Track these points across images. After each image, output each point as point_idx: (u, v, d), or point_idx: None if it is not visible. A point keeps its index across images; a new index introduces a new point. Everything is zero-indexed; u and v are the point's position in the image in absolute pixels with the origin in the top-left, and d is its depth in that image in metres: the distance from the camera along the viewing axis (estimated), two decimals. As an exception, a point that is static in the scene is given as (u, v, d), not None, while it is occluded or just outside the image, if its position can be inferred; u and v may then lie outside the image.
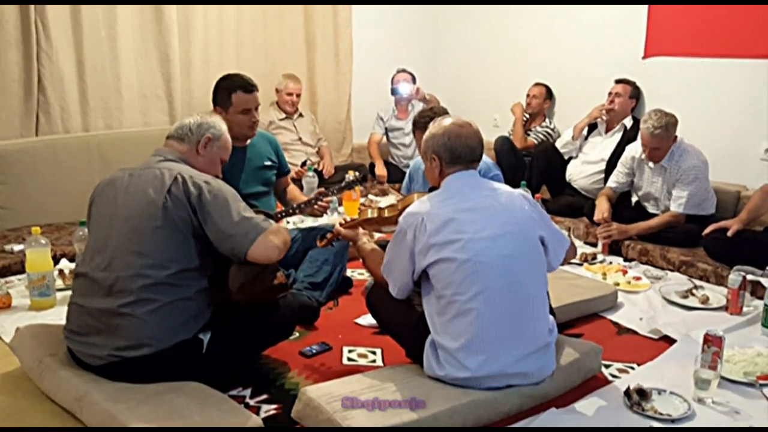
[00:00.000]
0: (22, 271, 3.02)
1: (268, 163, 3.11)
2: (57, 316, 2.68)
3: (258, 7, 4.81)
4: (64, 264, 3.16)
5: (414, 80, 5.04)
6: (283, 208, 3.01)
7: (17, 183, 3.71)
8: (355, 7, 5.23)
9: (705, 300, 3.00)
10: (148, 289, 1.96)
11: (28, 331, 2.29)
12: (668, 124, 3.51)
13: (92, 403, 1.90)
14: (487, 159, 3.10)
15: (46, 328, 2.33)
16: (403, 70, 5.06)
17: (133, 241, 2.00)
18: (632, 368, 2.43)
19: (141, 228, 2.00)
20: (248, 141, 3.05)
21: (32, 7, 3.79)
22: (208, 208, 2.00)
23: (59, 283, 3.01)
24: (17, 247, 3.31)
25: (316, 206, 2.90)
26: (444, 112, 2.97)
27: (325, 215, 3.18)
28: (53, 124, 4.01)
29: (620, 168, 3.90)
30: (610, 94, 4.25)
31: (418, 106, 5.05)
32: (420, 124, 2.98)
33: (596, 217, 3.75)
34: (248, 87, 2.92)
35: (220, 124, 2.29)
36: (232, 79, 2.95)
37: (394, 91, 4.98)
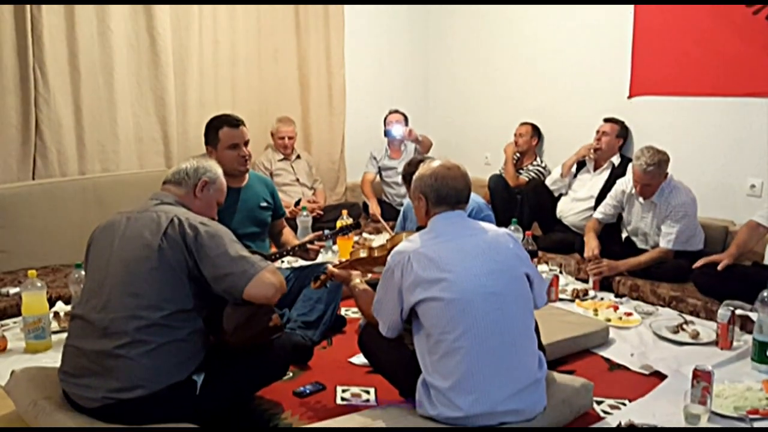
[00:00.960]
0: (17, 313, 3.04)
1: (264, 204, 3.17)
2: (52, 358, 2.69)
3: (252, 49, 4.92)
4: (60, 306, 3.17)
5: (406, 120, 5.13)
6: (277, 250, 3.06)
7: (14, 226, 3.75)
8: (348, 49, 5.35)
9: (695, 335, 3.03)
10: (143, 330, 1.98)
11: (23, 374, 2.29)
12: (660, 161, 3.58)
13: (86, 447, 1.91)
14: (478, 199, 3.16)
15: (41, 371, 2.33)
16: (396, 111, 5.16)
17: (128, 283, 2.03)
18: (624, 404, 2.45)
19: (137, 270, 2.03)
20: (244, 182, 3.10)
21: (31, 53, 3.89)
22: (204, 249, 2.04)
23: (55, 325, 3.03)
24: (13, 290, 3.33)
25: (309, 249, 2.94)
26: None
27: (319, 255, 3.21)
28: (50, 168, 4.07)
29: (609, 200, 3.96)
30: (597, 132, 4.34)
31: (411, 147, 5.14)
32: (406, 177, 3.05)
33: (586, 254, 3.80)
34: (233, 122, 3.02)
35: (215, 167, 2.35)
36: (219, 117, 3.08)
37: (387, 133, 5.09)
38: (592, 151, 4.35)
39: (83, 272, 2.55)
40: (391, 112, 5.18)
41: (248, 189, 3.13)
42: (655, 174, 3.58)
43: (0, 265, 3.71)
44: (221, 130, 3.00)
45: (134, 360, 1.97)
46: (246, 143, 3.05)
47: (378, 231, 4.79)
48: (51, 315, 3.02)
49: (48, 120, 4.02)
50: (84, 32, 4.11)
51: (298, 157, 5.00)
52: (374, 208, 5.01)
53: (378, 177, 5.25)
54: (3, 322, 3.08)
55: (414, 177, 2.24)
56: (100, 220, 2.27)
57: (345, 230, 3.00)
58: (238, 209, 3.05)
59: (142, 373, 1.97)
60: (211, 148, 3.01)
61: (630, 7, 4.28)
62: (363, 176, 5.23)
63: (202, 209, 2.26)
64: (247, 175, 3.14)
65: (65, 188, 4.00)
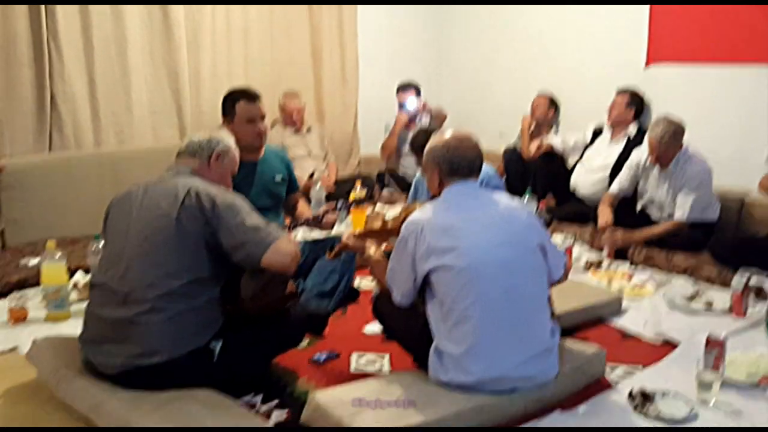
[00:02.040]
0: (37, 284, 3.08)
1: (279, 178, 3.17)
2: (72, 328, 2.72)
3: (265, 21, 4.90)
4: (79, 277, 3.22)
5: (419, 92, 5.09)
6: (290, 222, 3.08)
7: (32, 198, 3.80)
8: (360, 21, 5.31)
9: (709, 304, 3.02)
10: (162, 298, 2.02)
11: (44, 343, 2.35)
12: (676, 131, 3.55)
13: (108, 411, 1.96)
14: (489, 168, 3.15)
15: (62, 340, 2.39)
16: (408, 85, 5.11)
17: (147, 252, 2.06)
18: (636, 371, 2.46)
19: (155, 239, 2.07)
20: (260, 155, 3.11)
21: (44, 26, 3.89)
22: (221, 218, 2.06)
23: (74, 296, 3.08)
24: (33, 261, 3.38)
25: (323, 222, 2.96)
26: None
27: (334, 227, 3.23)
28: (66, 141, 4.10)
29: (625, 171, 3.93)
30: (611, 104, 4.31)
31: (425, 119, 5.11)
32: (415, 147, 3.06)
33: (600, 225, 3.78)
34: (251, 96, 3.02)
35: (227, 138, 2.38)
36: (237, 90, 3.08)
37: (401, 107, 5.04)
38: (534, 122, 4.59)
39: (101, 243, 2.60)
40: (402, 85, 5.13)
41: (264, 162, 3.14)
42: (670, 144, 3.55)
43: (19, 237, 3.77)
44: (238, 104, 3.00)
45: (153, 327, 2.01)
46: (262, 118, 3.05)
47: (392, 202, 4.80)
48: (70, 286, 3.07)
49: (63, 93, 4.04)
50: (97, 5, 4.10)
51: (309, 129, 4.98)
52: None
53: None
54: (23, 292, 3.12)
55: (426, 148, 2.24)
56: (116, 192, 2.32)
57: (357, 203, 3.02)
58: (254, 183, 3.07)
59: (160, 339, 2.01)
60: (227, 120, 3.02)
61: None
62: (383, 144, 5.19)
63: (218, 179, 2.28)
64: (263, 149, 3.15)
65: (81, 160, 4.04)
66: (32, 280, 3.22)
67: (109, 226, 2.23)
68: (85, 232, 3.68)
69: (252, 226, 2.08)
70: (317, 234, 3.36)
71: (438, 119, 5.05)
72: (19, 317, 2.89)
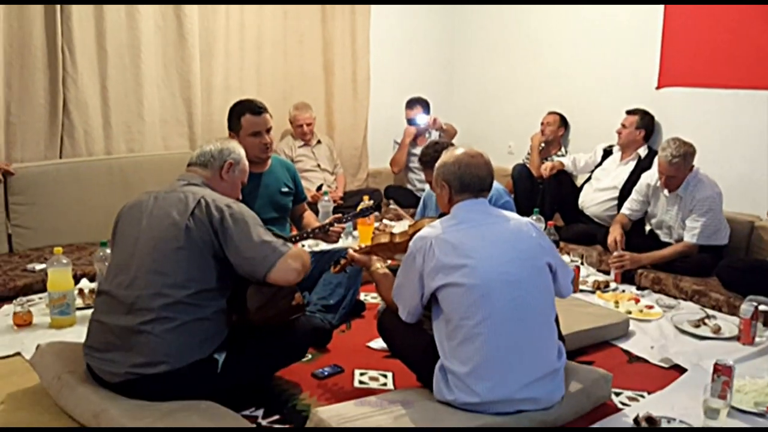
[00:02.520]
0: (43, 289, 3.09)
1: (285, 189, 3.17)
2: (76, 334, 2.73)
3: (279, 33, 4.93)
4: (85, 283, 3.22)
5: (428, 107, 5.09)
6: (297, 233, 3.07)
7: (41, 204, 3.81)
8: (373, 35, 5.34)
9: (717, 330, 2.99)
10: (168, 308, 2.02)
11: (48, 349, 2.34)
12: (686, 153, 3.53)
13: (109, 419, 1.94)
14: (498, 185, 3.14)
15: (65, 346, 2.39)
16: (417, 100, 5.10)
17: (155, 261, 2.06)
18: (642, 396, 2.44)
19: (163, 248, 2.07)
20: (266, 167, 3.11)
21: (59, 32, 3.92)
22: (229, 232, 2.06)
23: (79, 302, 3.08)
24: (39, 266, 3.39)
25: (330, 232, 2.94)
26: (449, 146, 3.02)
27: (340, 240, 3.22)
28: (77, 147, 4.12)
29: (635, 195, 3.92)
30: (620, 125, 4.30)
31: (435, 135, 5.11)
32: (425, 161, 3.05)
33: (608, 242, 3.76)
34: (256, 109, 3.00)
35: (238, 148, 2.37)
36: (242, 103, 3.05)
37: (411, 122, 5.04)
38: (544, 140, 4.67)
39: (108, 250, 2.60)
40: (411, 100, 5.12)
41: (270, 174, 3.14)
42: (680, 166, 3.54)
43: (26, 242, 3.78)
44: (244, 117, 2.99)
45: (158, 336, 2.00)
46: (268, 130, 3.04)
47: (399, 218, 4.79)
48: (76, 291, 3.07)
49: (75, 99, 4.06)
50: (112, 13, 4.14)
51: (319, 142, 5.00)
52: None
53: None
54: (29, 297, 3.13)
55: (437, 164, 2.24)
56: (125, 200, 2.31)
57: (365, 212, 3.00)
58: (260, 195, 3.06)
59: (165, 349, 2.00)
60: (233, 134, 3.01)
61: (660, -3, 4.23)
62: (391, 160, 5.19)
63: (228, 190, 2.29)
64: (269, 161, 3.15)
65: (91, 168, 4.06)
66: (38, 285, 3.24)
67: (118, 234, 2.23)
68: (93, 239, 3.70)
69: (259, 241, 2.08)
70: (324, 245, 3.35)
71: (448, 134, 5.06)
72: (23, 322, 2.89)
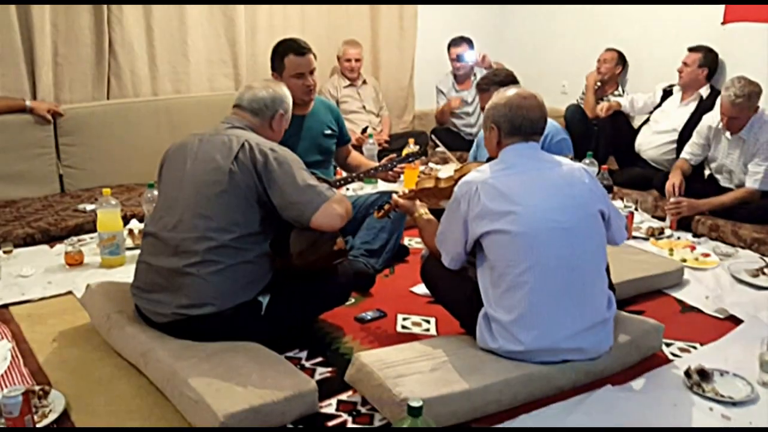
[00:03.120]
0: (93, 229, 3.15)
1: (328, 131, 3.11)
2: (126, 274, 2.79)
3: (323, -29, 4.79)
4: (134, 224, 3.27)
5: (473, 46, 4.89)
6: (345, 175, 3.03)
7: (89, 145, 3.87)
8: (421, -31, 5.14)
9: (777, 280, 2.87)
10: (212, 251, 2.02)
11: (97, 289, 2.39)
12: (751, 93, 3.33)
13: (156, 359, 1.99)
14: (554, 122, 3.03)
15: (114, 286, 2.44)
16: (460, 38, 4.87)
17: (199, 205, 2.06)
18: (694, 348, 2.36)
19: (208, 192, 2.06)
20: (308, 109, 3.05)
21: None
22: (273, 176, 2.04)
23: (129, 242, 3.13)
24: (89, 207, 3.46)
25: (390, 173, 2.92)
26: (509, 76, 2.92)
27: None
28: (124, 89, 4.13)
29: (695, 138, 3.73)
30: (681, 63, 4.07)
31: (480, 77, 4.92)
32: (482, 87, 2.94)
33: (667, 187, 3.61)
34: (300, 50, 2.92)
35: (288, 97, 2.33)
36: (285, 43, 2.97)
37: (459, 58, 4.83)
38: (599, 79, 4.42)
39: (156, 192, 2.61)
40: (454, 40, 4.88)
41: (312, 116, 3.07)
42: (744, 106, 3.34)
43: (77, 182, 3.86)
44: (287, 58, 2.91)
45: (204, 278, 2.02)
46: (312, 72, 2.96)
47: (445, 161, 4.70)
48: (125, 232, 3.12)
49: (121, 40, 4.05)
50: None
51: (365, 82, 4.90)
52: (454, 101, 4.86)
53: None
54: (80, 237, 3.20)
55: (486, 106, 2.15)
56: (172, 141, 2.31)
57: (410, 158, 2.94)
58: (303, 137, 3.01)
59: (211, 291, 2.02)
60: (276, 74, 2.95)
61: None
62: (437, 110, 5.05)
63: (274, 137, 2.27)
64: (312, 102, 3.09)
65: (138, 109, 4.08)
66: (89, 225, 3.30)
67: (164, 176, 2.24)
68: (141, 180, 3.74)
69: (303, 185, 2.05)
70: (369, 189, 3.31)
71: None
72: (75, 261, 2.96)
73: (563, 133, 3.09)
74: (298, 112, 2.88)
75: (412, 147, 4.07)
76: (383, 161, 2.94)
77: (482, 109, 2.99)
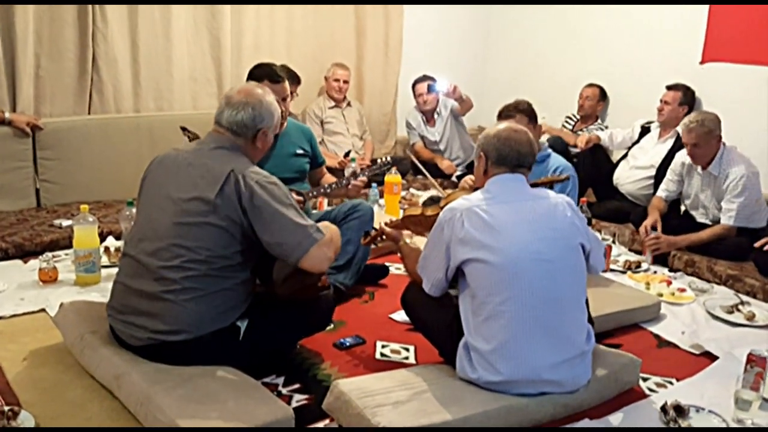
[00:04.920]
0: (69, 246, 3.10)
1: (300, 151, 3.08)
2: (101, 292, 2.75)
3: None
4: (110, 242, 3.23)
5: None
6: (314, 189, 3.02)
7: (68, 159, 3.82)
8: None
9: (751, 317, 2.90)
10: (192, 279, 1.99)
11: (71, 307, 2.34)
12: (705, 119, 3.41)
13: (130, 382, 1.95)
14: (565, 161, 3.22)
15: (89, 305, 2.39)
16: (424, 76, 4.84)
17: (180, 234, 2.00)
18: (671, 383, 2.37)
19: (189, 221, 2.00)
20: (280, 129, 3.04)
21: (90, -14, 3.87)
22: (259, 212, 1.99)
23: (105, 260, 3.08)
24: (65, 222, 3.40)
25: (350, 186, 2.92)
26: (528, 106, 3.07)
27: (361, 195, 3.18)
28: (106, 104, 4.10)
29: (670, 175, 3.80)
30: (660, 101, 4.15)
31: (445, 114, 4.92)
32: (508, 114, 3.03)
33: (641, 229, 3.64)
34: (275, 77, 2.89)
35: (268, 109, 2.18)
36: (262, 68, 2.94)
37: (430, 88, 4.77)
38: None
39: (134, 210, 2.58)
40: (419, 79, 4.86)
41: (285, 137, 3.06)
42: (699, 133, 3.40)
43: (54, 197, 3.80)
44: (262, 83, 2.83)
45: (181, 305, 1.98)
46: (285, 99, 2.95)
47: (426, 187, 4.72)
48: (102, 249, 3.07)
49: (105, 55, 4.02)
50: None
51: (349, 104, 4.93)
52: (445, 163, 4.85)
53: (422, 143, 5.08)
54: (55, 253, 3.15)
55: (480, 135, 2.18)
56: (152, 158, 2.24)
57: (382, 167, 2.96)
58: (273, 155, 2.98)
59: (188, 318, 1.99)
60: None
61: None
62: (413, 146, 5.07)
63: (259, 153, 2.21)
64: (285, 124, 3.08)
65: (120, 125, 4.04)
66: (64, 241, 3.25)
67: (145, 192, 2.18)
68: (120, 196, 3.71)
69: (292, 225, 2.00)
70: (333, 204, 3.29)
71: (465, 106, 4.79)
72: (49, 278, 2.90)
73: (572, 170, 3.17)
74: None
75: (393, 173, 4.07)
76: (348, 173, 2.93)
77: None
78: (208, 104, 4.47)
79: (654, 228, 3.61)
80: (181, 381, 1.93)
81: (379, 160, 3.13)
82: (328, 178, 3.32)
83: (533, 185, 2.20)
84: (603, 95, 4.77)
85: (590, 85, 4.76)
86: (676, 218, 3.80)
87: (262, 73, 2.92)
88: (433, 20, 5.43)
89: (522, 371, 1.95)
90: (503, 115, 3.03)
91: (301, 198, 2.85)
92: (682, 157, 3.72)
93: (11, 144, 3.65)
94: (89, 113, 4.05)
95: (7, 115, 3.63)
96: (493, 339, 1.96)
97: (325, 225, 2.15)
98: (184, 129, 3.28)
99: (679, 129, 3.50)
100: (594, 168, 4.35)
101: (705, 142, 3.45)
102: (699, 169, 3.60)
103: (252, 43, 4.61)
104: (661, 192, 3.83)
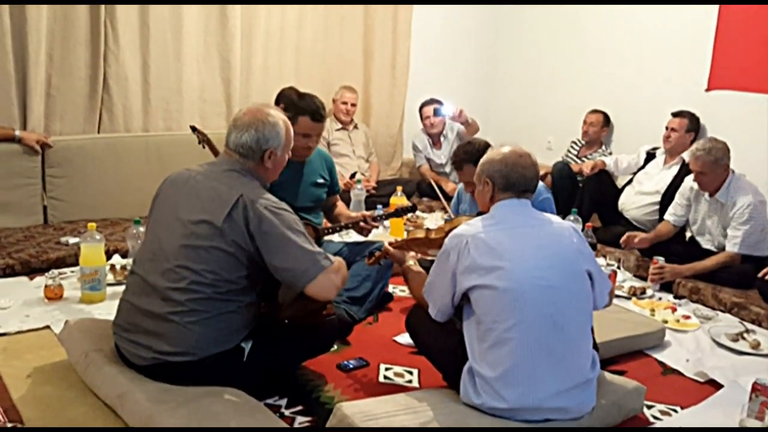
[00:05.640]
0: (76, 263, 3.11)
1: (320, 180, 3.10)
2: (106, 310, 2.75)
3: (319, 16, 4.89)
4: (117, 260, 3.24)
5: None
6: (330, 225, 3.04)
7: (77, 177, 3.85)
8: (414, 21, 5.26)
9: (756, 345, 2.89)
10: (197, 302, 1.99)
11: (76, 325, 2.35)
12: (713, 148, 3.42)
13: (133, 401, 1.94)
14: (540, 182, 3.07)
15: (94, 323, 2.39)
16: (431, 100, 4.95)
17: (188, 257, 2.00)
18: (675, 411, 2.36)
19: (196, 244, 2.00)
20: (306, 157, 3.05)
21: (102, 7, 3.93)
22: (267, 238, 1.99)
23: (110, 278, 3.09)
24: (72, 240, 3.42)
25: (363, 225, 2.93)
26: (486, 146, 2.90)
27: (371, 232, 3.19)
28: (115, 123, 4.14)
29: (678, 199, 3.80)
30: (666, 128, 4.17)
31: (451, 136, 4.98)
32: (456, 162, 2.98)
33: (622, 238, 3.70)
34: (318, 116, 2.86)
35: (274, 130, 2.14)
36: (306, 101, 2.88)
37: (436, 112, 4.88)
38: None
39: (141, 228, 2.59)
40: (426, 102, 4.96)
41: (310, 164, 3.06)
42: (706, 161, 3.42)
43: (61, 215, 3.83)
44: (303, 117, 2.83)
45: (186, 327, 1.98)
46: (318, 135, 2.96)
47: (430, 209, 4.74)
48: (107, 267, 3.08)
49: (116, 75, 4.07)
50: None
51: (356, 127, 4.97)
52: (450, 186, 4.88)
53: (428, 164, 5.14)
54: (61, 270, 3.16)
55: (481, 161, 2.17)
56: (161, 178, 2.23)
57: (400, 213, 2.97)
58: (301, 184, 3.00)
59: (192, 340, 1.99)
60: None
61: (716, -5, 4.08)
62: (419, 169, 5.13)
63: (273, 173, 2.20)
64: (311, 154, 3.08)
65: (129, 144, 4.08)
66: (71, 259, 3.26)
67: (156, 211, 2.17)
68: (127, 215, 3.73)
69: (300, 251, 1.99)
70: (355, 236, 3.31)
71: (471, 129, 4.87)
72: (54, 295, 2.91)
73: (546, 192, 3.15)
74: (296, 160, 2.86)
75: (399, 195, 4.09)
76: (369, 214, 2.95)
77: (462, 181, 3.06)
78: (216, 124, 4.51)
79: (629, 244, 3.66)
80: (185, 401, 1.93)
81: (393, 199, 3.14)
82: (341, 207, 3.32)
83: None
84: (607, 121, 4.79)
85: (594, 111, 4.79)
86: (682, 244, 3.79)
87: (306, 106, 2.85)
88: (440, 44, 5.49)
89: (527, 399, 1.94)
90: (456, 165, 3.03)
91: (315, 234, 2.86)
92: (691, 181, 3.73)
93: (20, 161, 3.68)
94: (99, 132, 4.09)
95: (17, 132, 3.67)
96: (499, 366, 1.95)
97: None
98: (194, 129, 3.31)
99: (686, 156, 3.50)
100: (599, 193, 4.36)
101: (711, 171, 3.46)
102: (707, 195, 3.60)
103: (261, 64, 4.66)
104: (669, 216, 3.83)
